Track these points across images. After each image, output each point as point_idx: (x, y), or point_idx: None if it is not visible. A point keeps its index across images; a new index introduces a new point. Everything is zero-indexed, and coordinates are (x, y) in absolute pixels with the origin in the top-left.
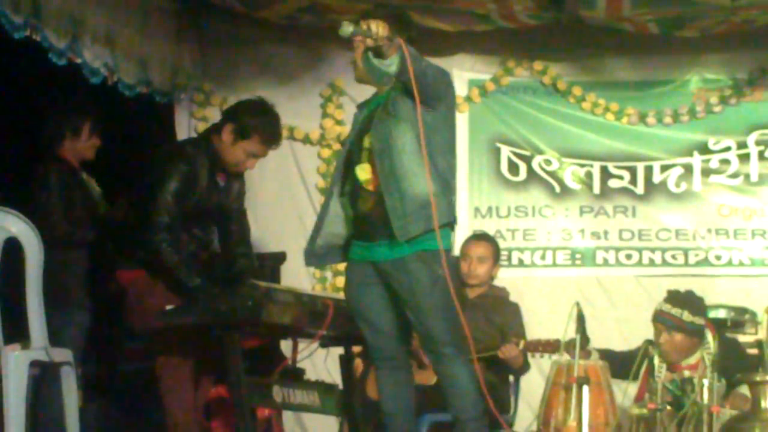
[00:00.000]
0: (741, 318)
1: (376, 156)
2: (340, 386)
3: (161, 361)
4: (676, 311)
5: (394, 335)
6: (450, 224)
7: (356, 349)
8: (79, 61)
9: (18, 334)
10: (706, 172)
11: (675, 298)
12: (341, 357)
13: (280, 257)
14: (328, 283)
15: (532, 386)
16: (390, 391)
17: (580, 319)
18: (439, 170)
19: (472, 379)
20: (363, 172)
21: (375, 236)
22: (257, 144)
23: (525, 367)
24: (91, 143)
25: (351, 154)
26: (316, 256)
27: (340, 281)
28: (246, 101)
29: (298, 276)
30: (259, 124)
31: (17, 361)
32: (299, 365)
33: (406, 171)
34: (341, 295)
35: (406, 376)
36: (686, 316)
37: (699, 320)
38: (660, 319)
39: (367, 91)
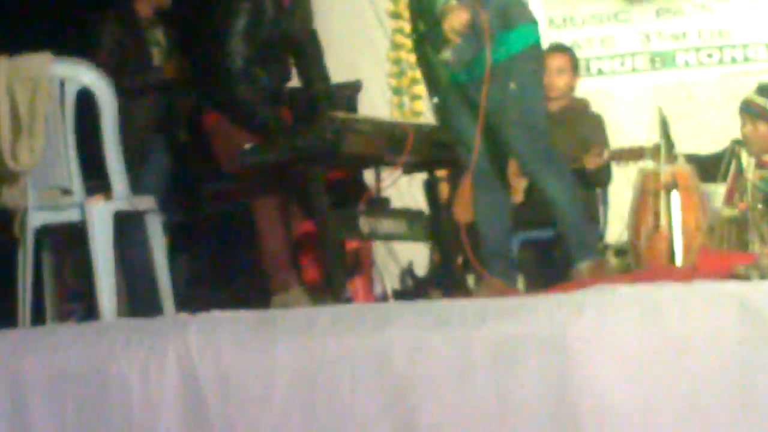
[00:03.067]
0: None
1: None
2: (427, 212)
3: (251, 201)
4: (761, 100)
5: (491, 154)
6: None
7: (440, 173)
8: None
9: (100, 185)
10: None
11: (763, 88)
12: (425, 182)
13: (355, 86)
14: (406, 108)
15: (620, 196)
16: (485, 211)
17: (664, 124)
18: None
19: (564, 191)
20: None
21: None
22: None
23: (609, 178)
24: None
25: None
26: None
27: (419, 105)
28: None
29: (374, 103)
30: None
31: (101, 213)
32: (384, 194)
33: None
34: (420, 120)
35: (503, 196)
36: None
37: None
38: (745, 108)
39: None
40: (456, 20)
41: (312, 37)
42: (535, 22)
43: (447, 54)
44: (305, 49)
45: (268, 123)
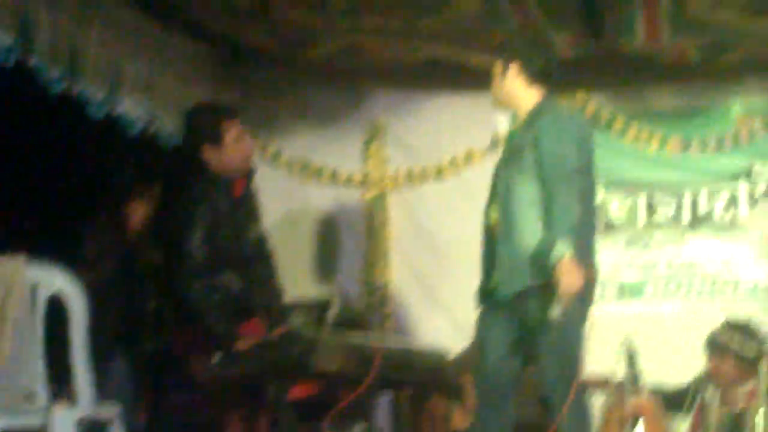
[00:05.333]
0: None
1: (499, 200)
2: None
3: (217, 414)
4: (727, 336)
5: (506, 377)
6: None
7: (406, 394)
8: (117, 112)
9: (65, 390)
10: (753, 199)
11: (729, 324)
12: (390, 402)
13: (326, 303)
14: (374, 327)
15: None
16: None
17: (631, 354)
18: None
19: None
20: (491, 216)
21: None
22: (230, 126)
23: None
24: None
25: (490, 193)
26: (488, 295)
27: (388, 324)
28: (185, 126)
29: (344, 321)
30: (211, 116)
31: (64, 420)
32: (349, 411)
33: (521, 222)
34: (388, 340)
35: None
36: (736, 342)
37: (750, 348)
38: (711, 343)
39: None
40: (575, 283)
41: (263, 239)
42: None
43: (556, 312)
44: (258, 251)
45: (218, 332)
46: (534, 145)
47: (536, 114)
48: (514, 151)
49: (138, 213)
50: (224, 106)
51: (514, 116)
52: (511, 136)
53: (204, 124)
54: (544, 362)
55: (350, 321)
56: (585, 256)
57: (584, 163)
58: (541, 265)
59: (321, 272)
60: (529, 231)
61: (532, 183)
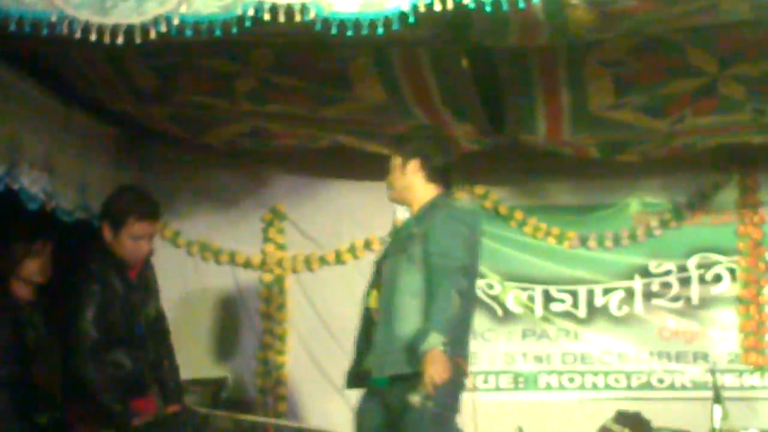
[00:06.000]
0: None
1: (382, 286)
2: None
3: None
4: (617, 429)
5: None
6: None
7: None
8: (16, 186)
9: None
10: (648, 296)
11: (621, 417)
12: None
13: (220, 382)
14: (269, 408)
15: None
16: None
17: None
18: None
19: None
20: (372, 300)
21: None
22: (135, 224)
23: None
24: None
25: (373, 279)
26: (356, 378)
27: (283, 406)
28: (108, 196)
29: (239, 401)
30: (127, 206)
31: None
32: None
33: (402, 311)
34: (282, 421)
35: None
36: None
37: None
38: None
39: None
40: (441, 374)
41: (160, 316)
42: None
43: (416, 398)
44: (153, 329)
45: (113, 410)
46: (424, 239)
47: (430, 208)
48: (404, 241)
49: (33, 273)
50: (149, 202)
51: (410, 209)
52: (404, 227)
53: (114, 205)
54: None
55: (244, 402)
56: (459, 349)
57: (470, 262)
58: (414, 353)
59: (217, 352)
60: (409, 319)
61: (417, 274)
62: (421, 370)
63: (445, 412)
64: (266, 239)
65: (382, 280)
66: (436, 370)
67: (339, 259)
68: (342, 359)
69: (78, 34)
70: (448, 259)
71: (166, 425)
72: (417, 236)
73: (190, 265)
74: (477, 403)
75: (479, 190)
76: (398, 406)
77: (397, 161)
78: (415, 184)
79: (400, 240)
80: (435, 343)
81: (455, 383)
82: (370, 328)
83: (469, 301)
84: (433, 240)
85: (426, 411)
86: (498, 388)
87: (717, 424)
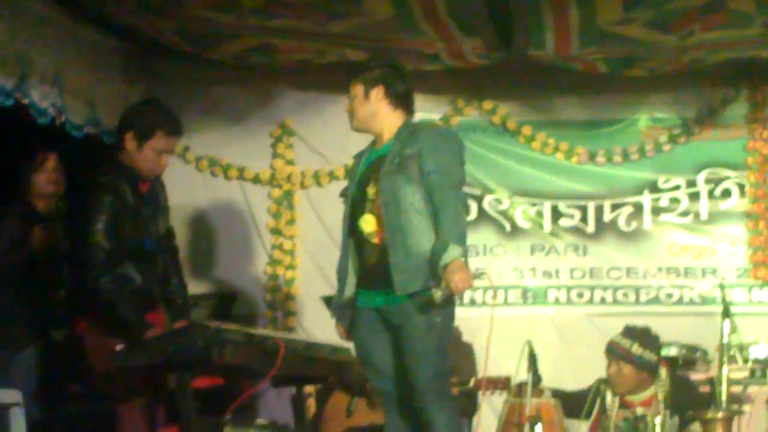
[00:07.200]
0: (692, 356)
1: (382, 208)
2: (293, 426)
3: (117, 403)
4: (626, 342)
5: (398, 380)
6: None
7: (309, 389)
8: (26, 101)
9: None
10: (656, 211)
11: (629, 331)
12: (293, 397)
13: (230, 296)
14: (279, 322)
15: (485, 425)
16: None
17: (532, 358)
18: None
19: (449, 427)
20: (367, 224)
21: (379, 285)
22: (162, 138)
23: (476, 407)
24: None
25: (354, 205)
26: (341, 308)
27: (292, 321)
28: (132, 106)
29: (249, 315)
30: (157, 120)
31: None
32: (251, 405)
33: (414, 228)
34: (292, 335)
35: (413, 419)
36: (635, 348)
37: (649, 355)
38: (610, 349)
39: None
40: (467, 281)
41: (170, 233)
42: None
43: (439, 293)
44: (164, 245)
45: (129, 321)
46: (419, 158)
47: (414, 131)
48: (398, 163)
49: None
50: (175, 118)
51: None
52: (386, 151)
53: (142, 116)
54: (411, 360)
55: (254, 317)
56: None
57: (463, 177)
58: (434, 267)
59: (226, 267)
60: (423, 236)
61: (418, 193)
62: (444, 281)
63: (449, 327)
64: (275, 154)
65: (379, 203)
66: (461, 278)
67: (348, 174)
68: None
69: None
70: (449, 175)
71: (176, 338)
72: (412, 156)
73: (200, 181)
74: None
75: (487, 105)
76: (404, 323)
77: (358, 90)
78: (380, 110)
79: (391, 163)
80: (456, 254)
81: (453, 300)
82: (366, 253)
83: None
84: (430, 158)
85: (434, 325)
86: (507, 303)
87: (726, 339)
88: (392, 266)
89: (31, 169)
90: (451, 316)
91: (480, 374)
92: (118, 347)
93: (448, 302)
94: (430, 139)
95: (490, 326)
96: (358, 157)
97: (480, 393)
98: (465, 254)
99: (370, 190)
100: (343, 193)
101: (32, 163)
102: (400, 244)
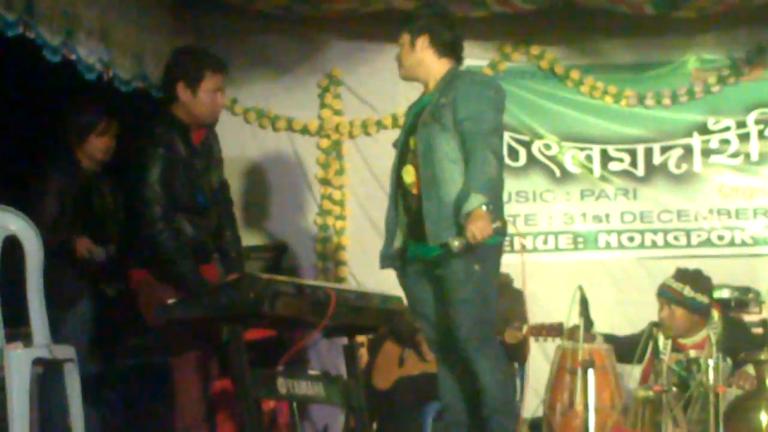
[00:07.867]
0: (745, 297)
1: (419, 159)
2: (345, 376)
3: (171, 356)
4: (677, 285)
5: (445, 329)
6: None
7: (360, 339)
8: (73, 57)
9: (19, 333)
10: (707, 153)
11: (681, 274)
12: (345, 347)
13: (281, 248)
14: (330, 273)
15: (537, 371)
16: (447, 383)
17: (584, 303)
18: None
19: (493, 374)
20: (408, 175)
21: (423, 235)
22: (212, 78)
23: (528, 353)
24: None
25: (399, 155)
26: (391, 258)
27: (343, 271)
28: (171, 60)
29: (299, 267)
30: (201, 61)
31: (20, 360)
32: (304, 356)
33: (446, 177)
34: (343, 285)
35: (463, 367)
36: (687, 291)
37: (701, 298)
38: (662, 292)
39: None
40: (485, 230)
41: (224, 186)
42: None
43: (455, 243)
44: (217, 198)
45: (186, 275)
46: (453, 106)
47: (452, 79)
48: (434, 112)
49: (97, 150)
50: (215, 56)
51: (425, 85)
52: (428, 100)
53: (188, 63)
54: (453, 308)
55: (305, 268)
56: (497, 210)
57: (499, 125)
58: (457, 215)
59: (276, 219)
60: (454, 185)
61: (452, 141)
62: (465, 229)
63: (490, 275)
64: (323, 105)
65: (417, 153)
66: (477, 227)
67: (395, 123)
68: None
69: None
70: (480, 123)
71: (228, 291)
72: (446, 105)
73: (248, 133)
74: (525, 263)
75: (535, 50)
76: (444, 273)
77: (405, 39)
78: (426, 59)
79: (428, 113)
80: (476, 203)
81: (498, 247)
82: (408, 203)
83: (500, 164)
84: (463, 106)
85: (473, 273)
86: (557, 249)
87: None
88: (425, 216)
89: (88, 129)
90: (493, 264)
91: (530, 321)
92: (171, 301)
93: (470, 250)
94: (463, 87)
95: (523, 273)
96: (411, 107)
97: (531, 339)
98: (489, 203)
99: (412, 141)
100: (395, 144)
101: (95, 127)
102: (433, 194)
